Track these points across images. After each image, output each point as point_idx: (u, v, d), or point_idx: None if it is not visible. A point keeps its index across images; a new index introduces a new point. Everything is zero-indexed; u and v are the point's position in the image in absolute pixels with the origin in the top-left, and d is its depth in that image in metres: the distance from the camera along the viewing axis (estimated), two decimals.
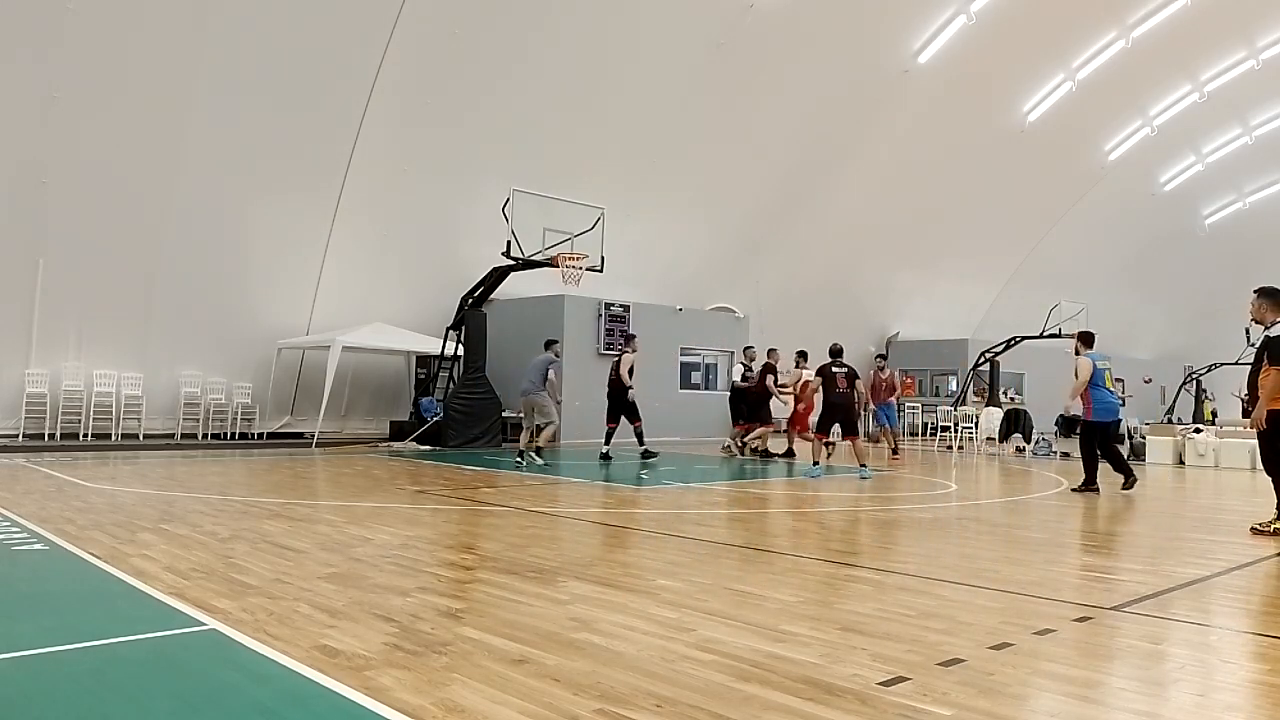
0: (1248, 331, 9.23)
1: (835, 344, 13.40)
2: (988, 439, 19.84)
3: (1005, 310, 31.84)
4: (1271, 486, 7.79)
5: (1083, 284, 31.66)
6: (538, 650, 3.78)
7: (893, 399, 17.47)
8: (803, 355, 16.32)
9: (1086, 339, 11.50)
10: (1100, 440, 11.09)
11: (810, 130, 23.26)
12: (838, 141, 24.26)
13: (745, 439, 16.11)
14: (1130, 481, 10.92)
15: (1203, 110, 30.36)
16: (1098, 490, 10.79)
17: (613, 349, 20.39)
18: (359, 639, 3.90)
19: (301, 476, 11.14)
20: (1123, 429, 17.95)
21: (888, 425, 17.24)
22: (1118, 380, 37.30)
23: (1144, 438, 17.76)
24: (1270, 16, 26.66)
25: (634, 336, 15.88)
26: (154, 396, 16.52)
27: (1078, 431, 11.84)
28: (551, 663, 3.61)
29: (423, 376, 19.11)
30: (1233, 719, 3.21)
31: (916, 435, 25.34)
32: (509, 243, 15.39)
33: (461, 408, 17.03)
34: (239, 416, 17.33)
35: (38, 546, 5.99)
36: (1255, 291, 8.22)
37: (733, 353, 22.34)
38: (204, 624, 4.11)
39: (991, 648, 3.95)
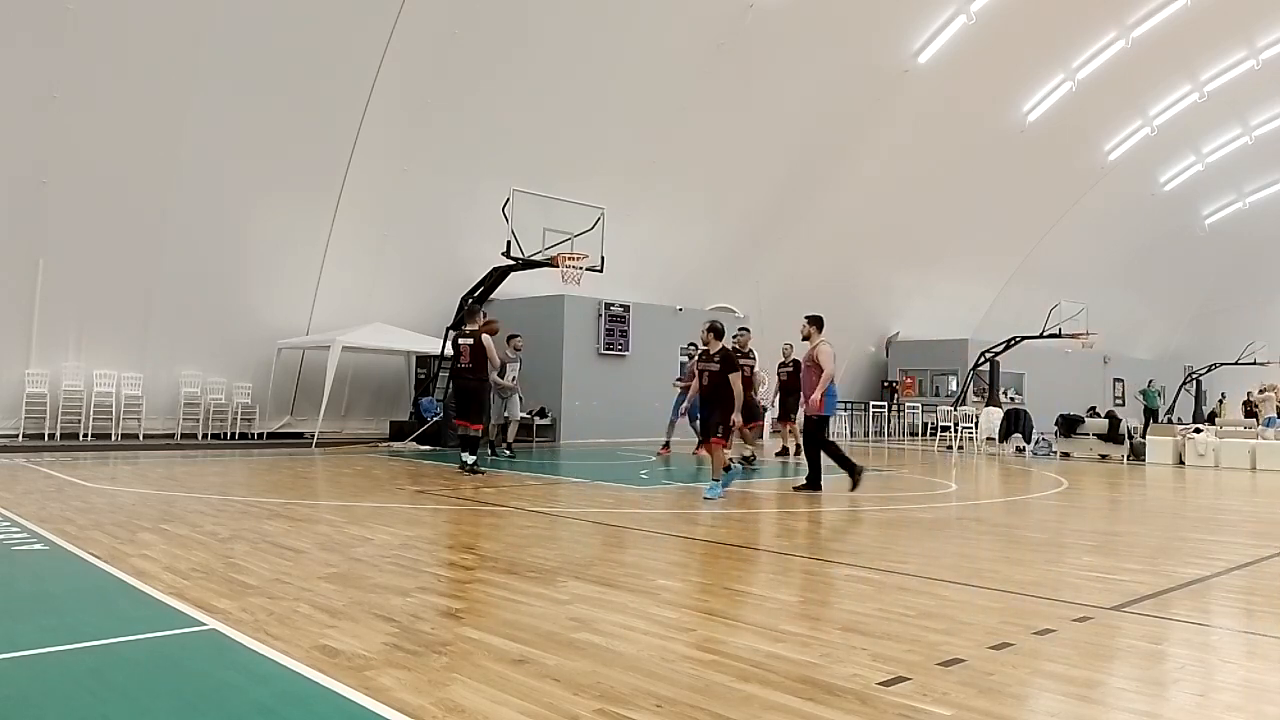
0: None
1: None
2: (988, 439, 19.83)
3: (1005, 310, 31.84)
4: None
5: (1083, 284, 31.67)
6: (538, 650, 3.78)
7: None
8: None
9: (819, 322, 10.37)
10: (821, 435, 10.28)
11: (810, 130, 23.25)
12: (838, 141, 24.25)
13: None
14: (857, 479, 10.15)
15: (1203, 110, 30.35)
16: (820, 489, 10.11)
17: (613, 349, 20.38)
18: (359, 639, 3.90)
19: (301, 476, 11.14)
20: (1122, 429, 17.97)
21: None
22: (1117, 379, 37.06)
23: (1144, 438, 17.74)
24: (1270, 16, 26.65)
25: (483, 315, 12.62)
26: (154, 396, 16.52)
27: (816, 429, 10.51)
28: (551, 663, 3.61)
29: (423, 376, 19.10)
30: (1233, 719, 3.20)
31: (917, 435, 25.35)
32: (509, 243, 15.38)
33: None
34: (239, 416, 17.33)
35: (38, 546, 5.99)
36: None
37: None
38: (204, 624, 4.11)
39: (991, 648, 3.95)
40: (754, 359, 14.61)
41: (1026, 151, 27.76)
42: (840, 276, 27.31)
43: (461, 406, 11.86)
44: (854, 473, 10.14)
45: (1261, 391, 26.45)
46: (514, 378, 14.33)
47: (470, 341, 11.54)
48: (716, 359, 9.66)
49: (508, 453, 14.29)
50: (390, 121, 17.50)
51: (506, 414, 14.47)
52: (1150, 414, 27.30)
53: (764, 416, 18.49)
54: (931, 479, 12.74)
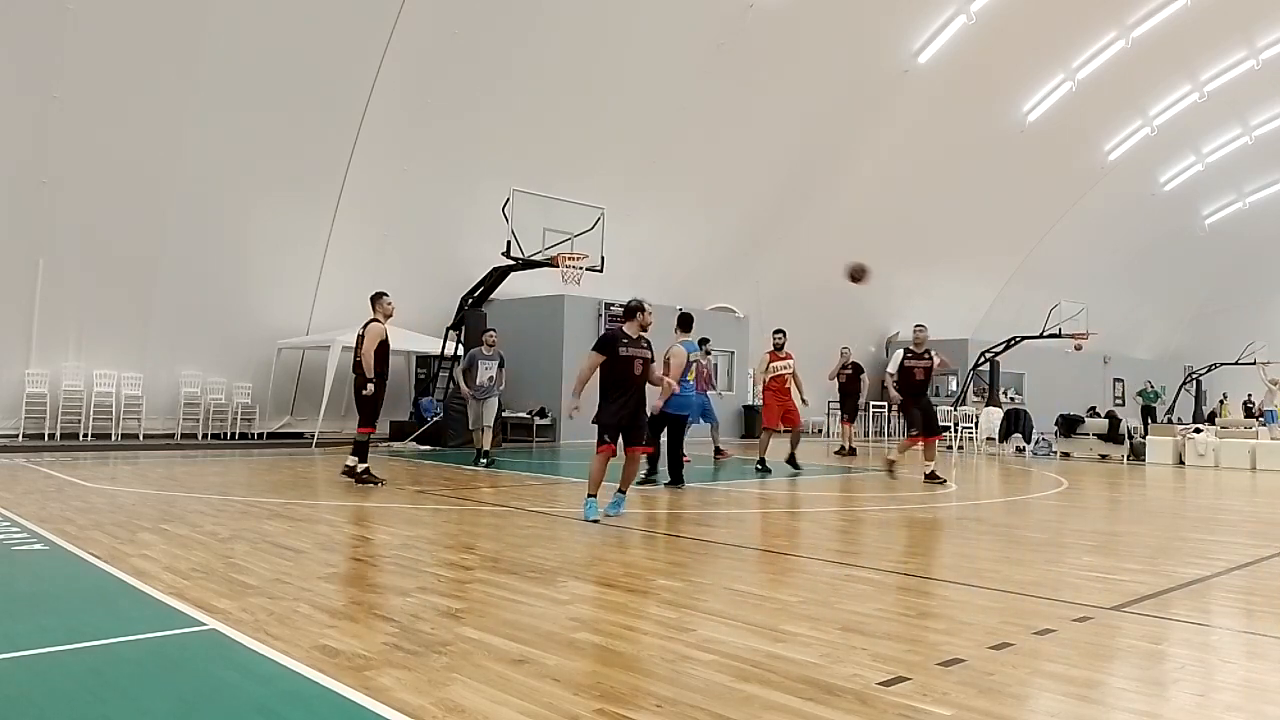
0: None
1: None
2: (988, 439, 19.82)
3: (1005, 310, 31.82)
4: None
5: (1083, 284, 31.67)
6: (538, 650, 3.78)
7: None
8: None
9: (684, 322, 10.20)
10: (671, 432, 10.12)
11: (810, 130, 23.26)
12: (838, 141, 24.26)
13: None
14: (677, 484, 10.06)
15: (1203, 110, 30.36)
16: (681, 484, 10.11)
17: None
18: (359, 639, 3.90)
19: (301, 476, 11.13)
20: (1122, 429, 17.97)
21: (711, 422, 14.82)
22: (1117, 379, 36.88)
23: (1144, 438, 17.74)
24: (1270, 16, 26.66)
25: (383, 295, 10.52)
26: (154, 396, 16.52)
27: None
28: (551, 663, 3.61)
29: (423, 376, 19.12)
30: (1233, 719, 3.20)
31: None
32: (509, 243, 15.40)
33: (461, 408, 16.99)
34: (239, 416, 17.33)
35: (38, 546, 5.99)
36: None
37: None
38: (204, 624, 4.11)
39: (991, 648, 3.95)
40: (931, 359, 11.65)
41: (1026, 151, 27.76)
42: (840, 276, 27.28)
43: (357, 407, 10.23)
44: (677, 478, 10.09)
45: (1275, 382, 26.44)
46: (490, 377, 12.59)
47: (361, 332, 10.19)
48: (643, 343, 7.85)
49: (484, 463, 12.62)
50: (390, 122, 17.51)
51: (483, 420, 12.75)
52: (1148, 413, 27.26)
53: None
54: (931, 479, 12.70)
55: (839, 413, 18.25)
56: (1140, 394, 28.47)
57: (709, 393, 14.29)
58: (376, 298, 10.41)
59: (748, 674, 3.51)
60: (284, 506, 8.24)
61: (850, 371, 16.82)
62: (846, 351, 16.84)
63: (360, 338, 10.20)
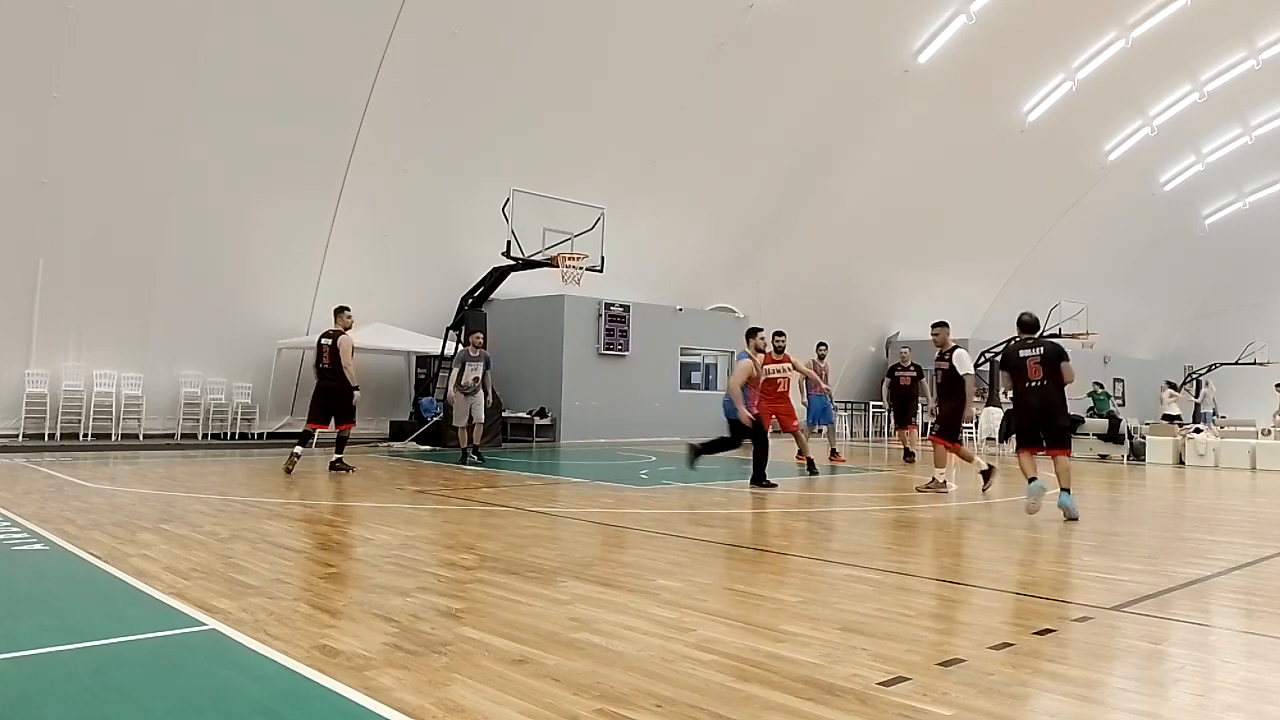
0: None
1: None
2: (988, 439, 19.82)
3: (1005, 310, 31.74)
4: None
5: (1083, 284, 31.66)
6: (538, 650, 3.78)
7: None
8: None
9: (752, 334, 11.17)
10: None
11: (810, 130, 23.26)
12: (838, 141, 24.26)
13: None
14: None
15: (1203, 110, 30.36)
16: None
17: (613, 349, 20.36)
18: (359, 639, 3.90)
19: (301, 476, 11.13)
20: (1122, 429, 17.96)
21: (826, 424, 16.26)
22: (1117, 380, 36.71)
23: (1144, 438, 17.74)
24: (1270, 16, 26.65)
25: (346, 308, 12.04)
26: (154, 396, 16.52)
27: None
28: (551, 663, 3.61)
29: (423, 376, 19.11)
30: (1233, 719, 3.20)
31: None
32: (509, 243, 15.40)
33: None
34: (239, 416, 17.33)
35: (38, 546, 5.99)
36: None
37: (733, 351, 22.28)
38: (204, 624, 4.11)
39: (991, 648, 3.95)
40: (949, 361, 11.68)
41: (1026, 151, 27.76)
42: (840, 276, 27.32)
43: (322, 408, 11.69)
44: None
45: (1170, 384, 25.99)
46: (475, 378, 13.13)
47: (329, 343, 11.56)
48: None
49: (475, 458, 13.29)
50: (390, 121, 17.51)
51: (471, 417, 13.31)
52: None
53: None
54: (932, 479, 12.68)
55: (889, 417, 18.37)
56: (1091, 395, 27.06)
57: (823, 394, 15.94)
58: (342, 310, 11.88)
59: (748, 674, 3.51)
60: (284, 506, 8.24)
61: (914, 374, 16.52)
62: (907, 353, 16.65)
63: (333, 349, 11.53)
